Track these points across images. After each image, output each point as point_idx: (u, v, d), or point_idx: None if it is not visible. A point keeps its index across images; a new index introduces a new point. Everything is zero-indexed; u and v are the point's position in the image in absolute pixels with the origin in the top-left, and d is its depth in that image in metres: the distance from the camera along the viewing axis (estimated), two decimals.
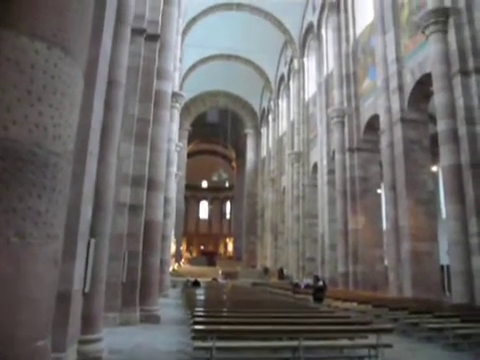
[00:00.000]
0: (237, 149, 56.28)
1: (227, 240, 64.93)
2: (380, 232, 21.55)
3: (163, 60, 12.85)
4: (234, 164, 60.08)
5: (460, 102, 13.44)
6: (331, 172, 25.09)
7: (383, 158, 18.76)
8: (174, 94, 20.51)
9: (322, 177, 27.09)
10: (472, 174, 12.88)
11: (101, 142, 6.08)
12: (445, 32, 14.27)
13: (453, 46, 13.93)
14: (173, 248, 32.61)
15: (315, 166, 29.62)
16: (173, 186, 23.77)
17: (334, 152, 24.21)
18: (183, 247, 54.46)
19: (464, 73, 13.48)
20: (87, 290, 5.58)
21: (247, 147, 51.30)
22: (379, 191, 22.52)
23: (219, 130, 50.92)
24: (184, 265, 45.95)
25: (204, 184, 67.43)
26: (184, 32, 31.27)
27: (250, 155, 50.93)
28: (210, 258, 52.73)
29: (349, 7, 24.79)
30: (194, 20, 33.33)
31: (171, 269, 29.03)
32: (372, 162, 22.20)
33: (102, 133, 6.17)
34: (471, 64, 13.41)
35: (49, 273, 2.02)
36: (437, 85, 14.28)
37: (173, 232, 28.36)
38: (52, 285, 2.10)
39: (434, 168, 23.10)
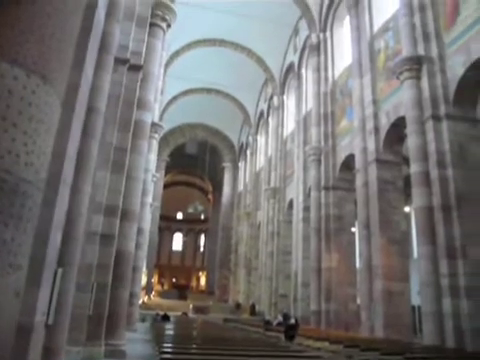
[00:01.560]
0: (214, 182, 56.32)
1: (200, 273, 63.89)
2: (353, 270, 21.59)
3: (144, 91, 12.91)
4: (210, 197, 59.95)
5: (432, 146, 13.88)
6: (306, 209, 25.25)
7: (358, 197, 19.04)
8: (153, 124, 20.55)
9: (297, 214, 27.21)
10: (443, 216, 13.17)
11: (76, 170, 5.98)
12: (419, 79, 14.88)
13: (426, 92, 14.50)
14: (144, 280, 31.83)
15: (291, 202, 29.77)
16: (147, 216, 23.45)
17: (310, 189, 24.44)
18: (154, 279, 53.20)
19: (436, 118, 14.00)
20: (50, 322, 5.34)
21: (224, 180, 51.40)
22: (353, 229, 22.73)
23: (197, 162, 51.01)
24: (154, 298, 44.75)
25: (179, 215, 66.81)
26: (167, 64, 31.71)
27: (227, 188, 50.95)
28: (182, 291, 51.62)
29: (329, 50, 25.69)
30: (177, 53, 33.90)
31: (141, 302, 28.22)
32: (347, 201, 22.49)
33: (78, 160, 6.08)
34: (443, 110, 13.96)
35: (8, 304, 1.92)
36: (411, 129, 14.75)
37: (145, 263, 27.76)
38: (11, 316, 1.99)
39: (407, 209, 23.54)
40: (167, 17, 14.47)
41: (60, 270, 5.47)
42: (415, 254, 21.86)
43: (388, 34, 18.73)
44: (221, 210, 51.14)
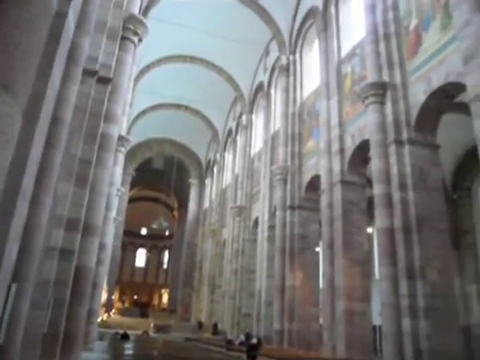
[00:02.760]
0: (180, 198, 55.86)
1: (162, 291, 62.71)
2: (316, 290, 21.72)
3: (113, 103, 12.75)
4: (176, 213, 59.38)
5: (394, 169, 14.27)
6: (271, 228, 25.31)
7: (322, 217, 19.27)
8: (120, 138, 20.28)
9: (262, 232, 27.25)
10: (403, 238, 13.47)
11: (37, 181, 5.79)
12: (383, 104, 15.37)
13: (389, 117, 14.97)
14: (104, 297, 30.95)
15: (256, 221, 29.82)
16: (110, 231, 22.91)
17: (276, 208, 24.56)
18: (115, 296, 51.81)
19: (398, 143, 14.43)
20: (1, 341, 5.07)
21: (190, 197, 51.05)
22: (317, 249, 22.93)
23: (163, 178, 50.51)
24: (114, 315, 43.53)
25: (143, 231, 65.71)
26: (137, 78, 31.53)
27: (192, 205, 50.60)
28: (143, 309, 50.52)
29: (298, 71, 26.26)
30: (148, 67, 33.80)
31: (100, 319, 27.35)
32: (312, 220, 22.72)
33: (39, 171, 5.89)
34: (405, 135, 14.42)
35: None
36: (374, 152, 15.14)
37: (106, 280, 27.02)
38: None
39: (370, 230, 24.02)
40: (139, 31, 14.45)
41: (14, 286, 5.24)
42: (377, 275, 22.23)
43: (355, 60, 19.33)
44: (186, 227, 50.64)
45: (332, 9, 22.21)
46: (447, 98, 13.99)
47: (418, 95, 14.36)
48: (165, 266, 65.49)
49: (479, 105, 10.69)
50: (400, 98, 14.96)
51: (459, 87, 12.56)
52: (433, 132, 14.66)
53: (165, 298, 60.77)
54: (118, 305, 55.47)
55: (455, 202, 22.44)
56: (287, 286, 21.68)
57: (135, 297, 61.33)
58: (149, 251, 65.84)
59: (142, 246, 66.02)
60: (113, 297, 46.83)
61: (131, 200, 51.41)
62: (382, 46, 16.10)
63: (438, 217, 13.79)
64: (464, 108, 13.05)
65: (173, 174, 48.12)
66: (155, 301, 62.50)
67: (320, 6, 23.11)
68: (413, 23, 15.21)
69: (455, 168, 22.53)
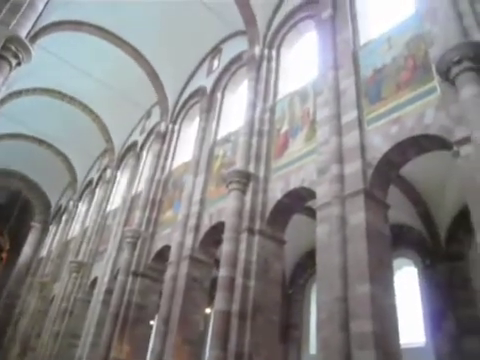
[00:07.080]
0: (15, 240, 49.72)
1: None
2: None
3: None
4: (4, 255, 52.47)
5: (242, 255, 14.82)
6: (109, 292, 23.70)
7: (164, 289, 18.78)
8: None
9: (98, 295, 25.34)
10: (238, 324, 13.66)
11: None
12: (244, 192, 16.25)
13: (247, 206, 15.81)
14: None
15: (95, 281, 27.74)
16: None
17: (118, 272, 23.29)
18: None
19: (250, 231, 15.17)
20: None
21: (27, 241, 45.98)
22: (152, 322, 22.01)
23: (2, 213, 45.06)
24: None
25: None
26: (3, 100, 28.83)
27: (27, 250, 45.46)
28: None
29: (173, 142, 26.71)
30: (20, 93, 31.13)
31: None
32: (153, 291, 21.94)
33: None
34: (257, 226, 15.27)
35: None
36: (227, 235, 15.62)
37: None
38: None
39: (208, 310, 24.04)
40: (20, 55, 13.54)
41: None
42: (207, 356, 21.96)
43: (228, 145, 20.48)
44: (13, 273, 44.87)
45: (218, 94, 23.72)
46: (300, 200, 15.43)
47: (276, 192, 15.56)
48: None
49: (323, 213, 12.12)
50: (260, 191, 16.00)
51: (311, 193, 14.02)
52: (282, 228, 15.82)
53: None
54: None
55: (290, 297, 23.96)
56: (111, 358, 20.01)
57: None
58: None
59: None
60: None
61: None
62: (254, 140, 17.41)
63: (273, 308, 14.46)
64: (311, 212, 14.58)
65: (14, 212, 43.31)
66: None
67: (208, 88, 24.55)
68: (284, 128, 16.94)
69: (295, 265, 24.38)
